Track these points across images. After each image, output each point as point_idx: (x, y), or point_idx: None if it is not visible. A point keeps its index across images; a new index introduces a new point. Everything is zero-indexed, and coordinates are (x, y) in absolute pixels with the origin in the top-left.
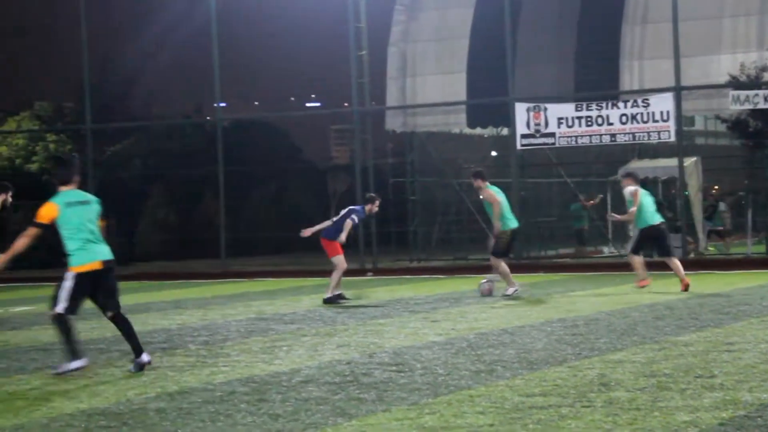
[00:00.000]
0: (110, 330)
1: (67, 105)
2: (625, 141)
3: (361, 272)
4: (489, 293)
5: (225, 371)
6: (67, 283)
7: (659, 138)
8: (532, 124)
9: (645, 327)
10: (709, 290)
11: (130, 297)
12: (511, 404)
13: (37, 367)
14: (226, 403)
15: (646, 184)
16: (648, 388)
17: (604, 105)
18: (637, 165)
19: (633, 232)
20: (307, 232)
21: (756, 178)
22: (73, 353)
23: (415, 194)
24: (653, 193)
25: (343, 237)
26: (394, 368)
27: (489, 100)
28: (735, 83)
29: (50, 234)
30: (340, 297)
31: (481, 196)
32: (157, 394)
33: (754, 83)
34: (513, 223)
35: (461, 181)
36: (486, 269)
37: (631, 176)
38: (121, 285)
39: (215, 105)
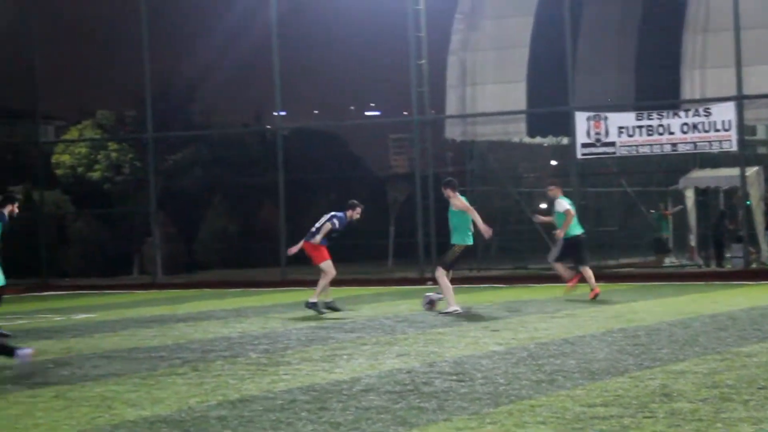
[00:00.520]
0: (171, 338)
1: (129, 114)
2: (687, 150)
3: (420, 281)
4: (431, 308)
5: (286, 379)
6: None
7: (721, 147)
8: (592, 133)
9: (707, 337)
10: None
11: (191, 305)
12: (572, 414)
13: (99, 374)
14: (287, 411)
15: (706, 193)
16: (710, 399)
17: (665, 114)
18: (698, 175)
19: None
20: (293, 250)
21: None
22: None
23: (474, 203)
24: (713, 203)
25: (318, 238)
26: (454, 377)
27: (549, 109)
28: None
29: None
30: (331, 306)
31: (452, 207)
32: (219, 401)
33: None
34: (469, 240)
35: (521, 190)
36: (547, 278)
37: (557, 184)
38: (183, 293)
39: (275, 113)
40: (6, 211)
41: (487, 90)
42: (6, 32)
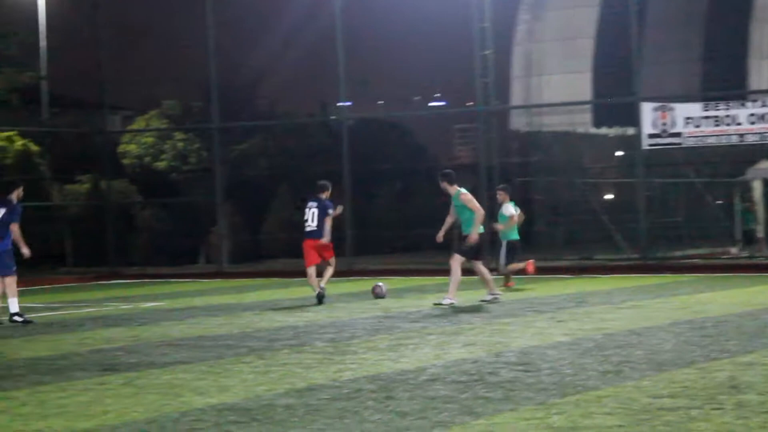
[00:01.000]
0: (237, 327)
1: (195, 104)
2: (754, 141)
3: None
4: (382, 295)
5: (352, 368)
6: None
7: None
8: (658, 123)
9: None
10: None
11: (257, 294)
12: (639, 405)
13: (166, 362)
14: (354, 400)
15: None
16: None
17: (731, 104)
18: (765, 166)
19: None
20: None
21: None
22: None
23: (540, 194)
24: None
25: (328, 236)
26: (520, 368)
27: (615, 100)
28: None
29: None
30: (321, 295)
31: (457, 201)
32: (285, 390)
33: None
34: (481, 228)
35: (586, 180)
36: (612, 269)
37: (506, 190)
38: (249, 282)
39: (340, 104)
40: (14, 197)
41: (552, 80)
42: (73, 23)
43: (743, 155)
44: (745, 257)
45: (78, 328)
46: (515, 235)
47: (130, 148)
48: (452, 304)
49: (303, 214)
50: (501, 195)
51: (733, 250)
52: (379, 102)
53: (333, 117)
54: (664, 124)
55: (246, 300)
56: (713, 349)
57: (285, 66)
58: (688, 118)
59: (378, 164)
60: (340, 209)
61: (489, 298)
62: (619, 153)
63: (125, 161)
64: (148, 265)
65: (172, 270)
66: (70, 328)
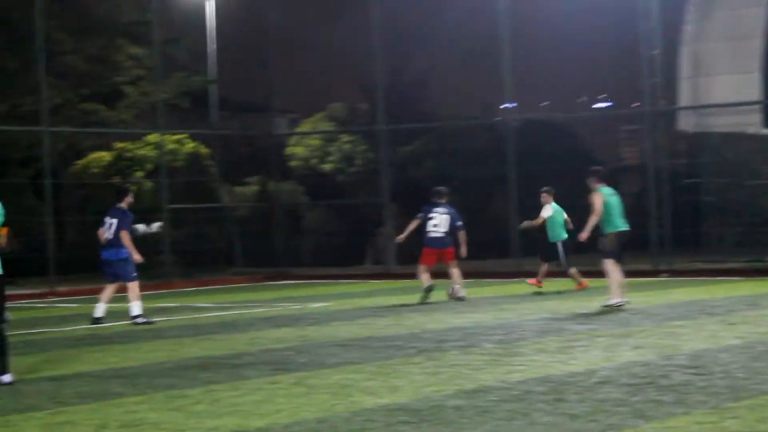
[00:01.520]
0: (405, 327)
1: (361, 106)
2: None
3: (653, 273)
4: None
5: (521, 370)
6: None
7: None
8: None
9: None
10: None
11: (424, 295)
12: None
13: (336, 362)
14: (523, 402)
15: None
16: None
17: None
18: None
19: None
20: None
21: None
22: None
23: (709, 195)
24: None
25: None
26: (692, 371)
27: None
28: None
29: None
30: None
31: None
32: (455, 391)
33: None
34: (621, 226)
35: (757, 182)
36: None
37: (549, 192)
38: (416, 283)
39: (504, 105)
40: (125, 204)
41: (721, 81)
42: (241, 27)
43: None
44: None
45: (249, 328)
46: (565, 235)
47: (297, 150)
48: (619, 304)
49: (431, 218)
50: (544, 197)
51: None
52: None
53: (498, 118)
54: None
55: (413, 301)
56: None
57: (450, 67)
58: None
59: (543, 166)
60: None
61: (610, 303)
62: None
63: (292, 163)
64: (315, 266)
65: (339, 271)
66: (241, 328)
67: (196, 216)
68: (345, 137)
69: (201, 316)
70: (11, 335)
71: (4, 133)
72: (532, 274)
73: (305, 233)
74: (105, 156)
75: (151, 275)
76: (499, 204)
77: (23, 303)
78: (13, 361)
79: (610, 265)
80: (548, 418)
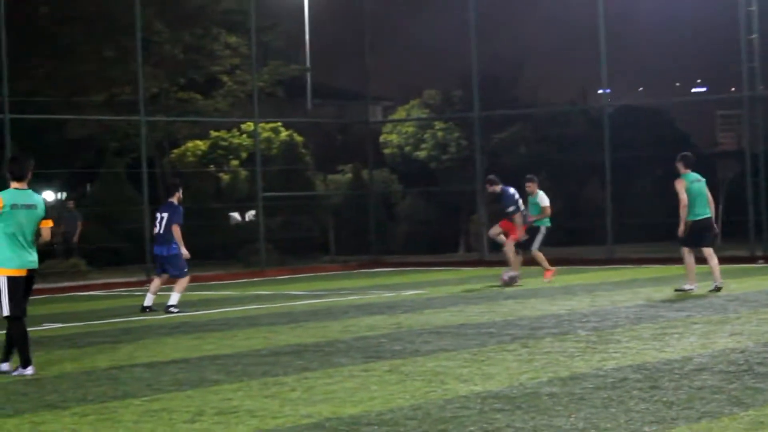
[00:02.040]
0: (499, 315)
1: (456, 93)
2: None
3: (750, 259)
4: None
5: (616, 357)
6: (2, 287)
7: None
8: None
9: None
10: None
11: (519, 282)
12: None
13: (430, 350)
14: (618, 389)
15: None
16: None
17: None
18: None
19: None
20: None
21: None
22: (4, 355)
23: None
24: None
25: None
26: None
27: None
28: None
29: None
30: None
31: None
32: (549, 378)
33: None
34: (700, 214)
35: None
36: None
37: (533, 180)
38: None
39: (600, 91)
40: (175, 200)
41: None
42: (337, 14)
43: None
44: None
45: (342, 315)
46: (549, 222)
47: (391, 137)
48: (692, 289)
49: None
50: (530, 186)
51: None
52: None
53: (593, 105)
54: None
55: (507, 288)
56: None
57: (545, 53)
58: None
59: (638, 152)
60: None
61: (711, 287)
62: None
63: (386, 151)
64: (408, 253)
65: (432, 258)
66: (335, 316)
67: (290, 204)
68: (439, 124)
69: (295, 303)
70: (115, 323)
71: (101, 122)
72: (624, 261)
73: (399, 221)
74: (201, 145)
75: (246, 263)
76: (594, 190)
77: (122, 291)
78: (111, 348)
79: (686, 253)
80: (644, 405)
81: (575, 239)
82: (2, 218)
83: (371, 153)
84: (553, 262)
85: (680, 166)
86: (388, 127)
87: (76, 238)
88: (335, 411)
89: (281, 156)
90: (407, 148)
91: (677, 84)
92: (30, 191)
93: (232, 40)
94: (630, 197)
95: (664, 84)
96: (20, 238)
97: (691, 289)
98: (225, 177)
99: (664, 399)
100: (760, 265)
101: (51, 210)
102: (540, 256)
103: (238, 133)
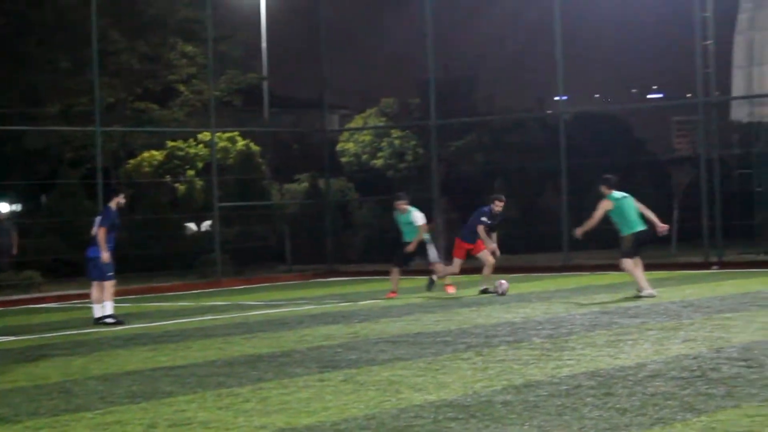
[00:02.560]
0: (455, 323)
1: (413, 101)
2: None
3: (705, 265)
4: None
5: (570, 364)
6: None
7: None
8: None
9: None
10: None
11: (472, 290)
12: None
13: (385, 359)
14: (572, 396)
15: None
16: None
17: None
18: None
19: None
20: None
21: None
22: None
23: (761, 186)
24: None
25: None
26: (743, 363)
27: None
28: None
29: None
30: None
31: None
32: (503, 386)
33: None
34: (637, 227)
35: None
36: None
37: (402, 198)
38: (463, 278)
39: (557, 98)
40: (113, 204)
41: None
42: (293, 24)
43: None
44: None
45: (298, 325)
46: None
47: (347, 146)
48: (651, 294)
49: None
50: (400, 205)
51: None
52: (596, 95)
53: (549, 112)
54: None
55: (462, 296)
56: None
57: (501, 61)
58: None
59: (595, 158)
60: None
61: (644, 294)
62: None
63: (343, 159)
64: (365, 262)
65: (388, 267)
66: (290, 326)
67: (246, 214)
68: (396, 133)
69: (250, 314)
70: (68, 335)
71: (57, 133)
72: (580, 268)
73: (355, 230)
74: (157, 155)
75: (202, 273)
76: (551, 198)
77: (76, 303)
78: (64, 361)
79: (629, 264)
80: (597, 412)
81: (531, 247)
82: None
83: (328, 162)
84: (509, 269)
85: (604, 189)
86: (345, 135)
87: (14, 251)
88: (289, 422)
89: (238, 166)
90: (364, 157)
91: (633, 90)
92: None
93: (189, 49)
94: (586, 204)
95: (620, 90)
96: None
97: (652, 294)
98: (181, 187)
99: (618, 406)
100: (714, 270)
101: None
102: (396, 276)
103: (194, 143)
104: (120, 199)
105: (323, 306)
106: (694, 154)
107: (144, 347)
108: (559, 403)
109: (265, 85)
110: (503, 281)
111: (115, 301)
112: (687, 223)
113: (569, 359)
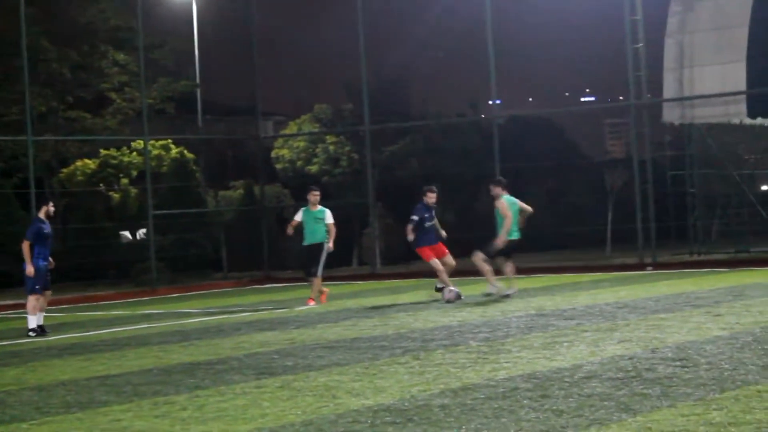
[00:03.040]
0: (392, 328)
1: (346, 107)
2: None
3: (640, 267)
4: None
5: (507, 367)
6: None
7: None
8: None
9: None
10: None
11: (410, 295)
12: None
13: (323, 365)
14: (509, 399)
15: None
16: None
17: None
18: None
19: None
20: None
21: None
22: None
23: (694, 186)
24: None
25: (411, 238)
26: (677, 363)
27: None
28: None
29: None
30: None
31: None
32: (441, 390)
33: None
34: (513, 235)
35: (742, 172)
36: None
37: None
38: (402, 283)
39: (490, 102)
40: (42, 213)
41: (706, 71)
42: (226, 31)
43: None
44: None
45: (234, 332)
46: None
47: (282, 152)
48: (507, 295)
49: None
50: (314, 195)
51: None
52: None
53: (483, 116)
54: None
55: (399, 301)
56: None
57: (434, 66)
58: None
59: (529, 162)
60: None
61: (491, 290)
62: None
63: (278, 166)
64: (300, 268)
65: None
66: (227, 333)
67: (181, 221)
68: (330, 138)
69: (186, 321)
70: (2, 346)
71: None
72: (519, 271)
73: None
74: (90, 164)
75: (137, 282)
76: (486, 202)
77: (10, 313)
78: None
79: (481, 261)
80: (534, 414)
81: (468, 251)
82: None
83: (263, 168)
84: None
85: (498, 190)
86: (280, 141)
87: None
88: (226, 429)
89: (172, 173)
90: (299, 163)
91: (566, 94)
92: None
93: (121, 57)
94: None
95: (553, 94)
96: None
97: (505, 293)
98: (115, 195)
99: (554, 407)
100: (648, 272)
101: None
102: (318, 283)
103: (128, 151)
104: (49, 207)
105: (259, 312)
106: (627, 156)
107: (79, 357)
108: (496, 405)
109: (198, 92)
110: (454, 288)
111: (49, 311)
112: (621, 224)
113: (506, 362)
